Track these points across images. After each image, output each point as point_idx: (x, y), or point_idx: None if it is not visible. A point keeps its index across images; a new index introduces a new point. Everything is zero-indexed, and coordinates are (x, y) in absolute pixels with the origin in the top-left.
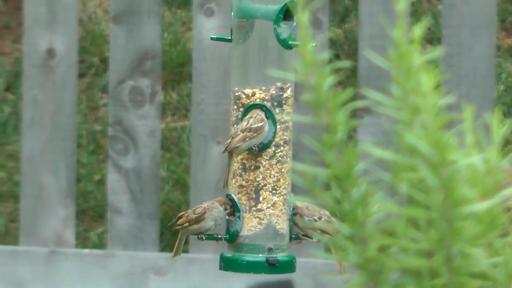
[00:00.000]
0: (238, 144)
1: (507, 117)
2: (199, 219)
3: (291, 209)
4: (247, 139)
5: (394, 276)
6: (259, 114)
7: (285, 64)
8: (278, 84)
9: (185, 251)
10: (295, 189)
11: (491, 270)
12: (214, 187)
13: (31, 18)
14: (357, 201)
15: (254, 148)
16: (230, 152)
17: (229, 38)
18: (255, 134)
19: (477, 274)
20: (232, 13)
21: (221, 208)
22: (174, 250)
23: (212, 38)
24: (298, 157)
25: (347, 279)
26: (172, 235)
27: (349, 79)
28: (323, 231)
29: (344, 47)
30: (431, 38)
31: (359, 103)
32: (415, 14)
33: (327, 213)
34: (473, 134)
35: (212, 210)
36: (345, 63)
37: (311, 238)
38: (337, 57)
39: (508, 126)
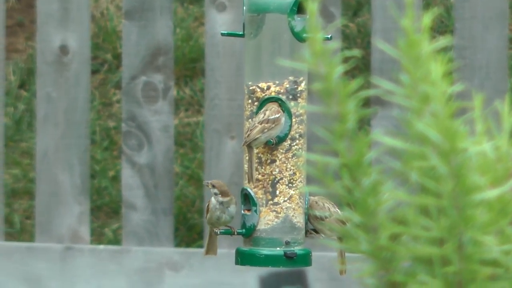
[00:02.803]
0: (257, 136)
1: None
2: (207, 210)
3: (306, 202)
4: (266, 130)
5: (406, 264)
6: (274, 106)
7: (299, 57)
8: (291, 77)
9: (201, 246)
10: (309, 180)
11: (503, 257)
12: (228, 181)
13: (44, 15)
14: (368, 190)
15: (272, 140)
16: (250, 146)
17: (240, 33)
18: (273, 125)
19: (488, 261)
20: (244, 8)
21: (213, 198)
22: (205, 247)
23: (222, 34)
24: (311, 149)
25: (359, 268)
26: (186, 231)
27: (362, 72)
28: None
29: (357, 41)
30: (444, 31)
31: (369, 92)
32: (427, 7)
33: (339, 212)
34: (483, 122)
35: (210, 201)
36: (355, 52)
37: (318, 233)
38: (349, 50)
39: None
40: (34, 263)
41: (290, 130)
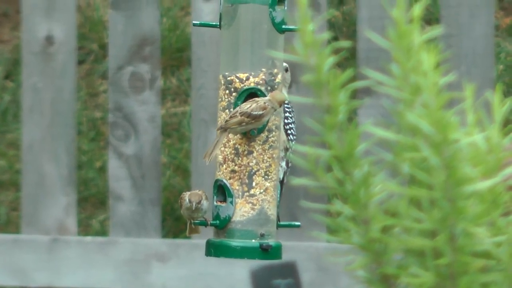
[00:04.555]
0: (234, 126)
1: (507, 96)
2: (180, 204)
3: (278, 194)
4: (244, 124)
5: (398, 256)
6: (262, 102)
7: (275, 49)
8: (264, 69)
9: (188, 237)
10: (297, 171)
11: (494, 249)
12: (215, 171)
13: (29, 5)
14: (359, 182)
15: (254, 131)
16: (225, 128)
17: (214, 23)
18: (253, 121)
19: (480, 253)
20: None
21: (187, 198)
22: (188, 229)
23: (194, 24)
24: (301, 140)
25: (350, 260)
26: (174, 221)
27: (348, 61)
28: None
29: (343, 30)
30: (430, 19)
31: (360, 83)
32: None
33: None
34: (474, 112)
35: (183, 197)
36: (345, 43)
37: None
38: (335, 39)
39: (509, 105)
40: (20, 255)
41: (267, 122)
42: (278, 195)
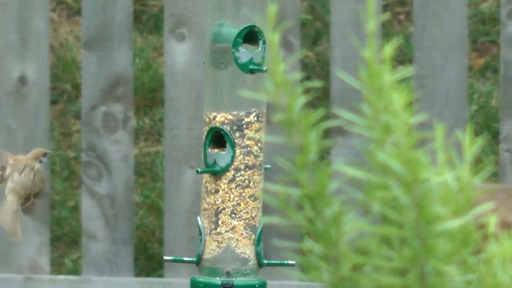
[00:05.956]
0: None
1: (479, 136)
2: None
3: (258, 233)
4: None
5: None
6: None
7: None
8: (245, 109)
9: (161, 275)
10: (268, 210)
11: (465, 287)
12: (188, 211)
13: (2, 46)
14: (330, 221)
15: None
16: None
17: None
18: None
19: None
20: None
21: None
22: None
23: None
24: (273, 179)
25: None
26: (147, 260)
27: (322, 101)
28: None
29: (316, 70)
30: (403, 60)
31: (331, 123)
32: (386, 36)
33: None
34: (445, 152)
35: None
36: (316, 83)
37: None
38: (309, 79)
39: (480, 144)
40: None
41: (232, 161)
42: (258, 233)
